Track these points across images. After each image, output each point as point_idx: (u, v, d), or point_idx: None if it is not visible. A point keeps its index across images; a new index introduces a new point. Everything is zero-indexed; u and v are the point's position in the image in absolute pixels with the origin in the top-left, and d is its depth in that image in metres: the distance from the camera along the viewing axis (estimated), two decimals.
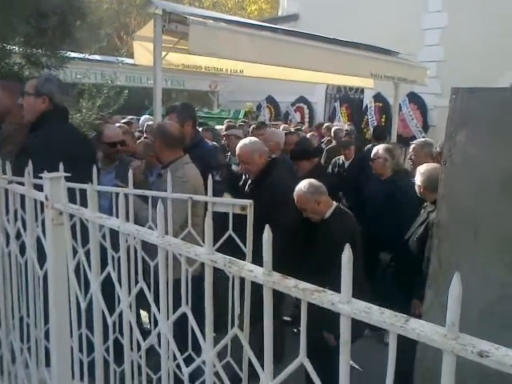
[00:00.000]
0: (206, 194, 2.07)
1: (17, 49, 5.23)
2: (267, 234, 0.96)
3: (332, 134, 8.10)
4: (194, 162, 3.25)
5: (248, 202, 1.93)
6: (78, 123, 6.19)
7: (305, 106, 14.55)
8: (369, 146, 7.21)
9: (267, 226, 0.99)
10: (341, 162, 6.20)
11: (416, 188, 3.39)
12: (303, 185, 3.14)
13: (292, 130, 8.20)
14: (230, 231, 1.96)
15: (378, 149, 4.45)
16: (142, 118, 7.86)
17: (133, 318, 1.40)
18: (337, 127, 8.49)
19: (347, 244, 0.82)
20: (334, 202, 3.16)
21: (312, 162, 3.80)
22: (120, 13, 18.41)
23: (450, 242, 1.86)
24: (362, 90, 13.35)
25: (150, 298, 1.31)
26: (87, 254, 1.58)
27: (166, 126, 3.40)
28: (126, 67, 9.13)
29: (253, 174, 3.50)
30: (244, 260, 1.97)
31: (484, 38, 10.64)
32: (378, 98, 12.37)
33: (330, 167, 6.25)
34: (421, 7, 12.16)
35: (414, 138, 11.35)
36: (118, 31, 15.77)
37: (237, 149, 3.58)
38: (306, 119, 14.27)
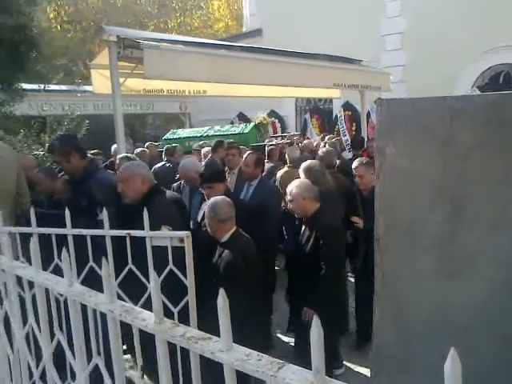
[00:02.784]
0: None
1: None
2: (154, 280, 0.92)
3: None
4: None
5: (185, 233, 1.88)
6: (41, 158, 6.10)
7: (276, 120, 14.58)
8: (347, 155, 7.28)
9: (153, 273, 0.95)
10: None
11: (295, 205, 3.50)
12: (221, 199, 3.09)
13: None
14: (171, 265, 1.91)
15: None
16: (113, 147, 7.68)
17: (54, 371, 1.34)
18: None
19: (221, 290, 0.78)
20: (234, 226, 3.07)
21: (225, 185, 3.66)
22: (86, 40, 18.36)
23: (390, 255, 1.84)
24: (331, 100, 13.45)
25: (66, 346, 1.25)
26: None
27: None
28: (93, 96, 9.02)
29: (129, 198, 3.16)
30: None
31: (443, 39, 10.84)
32: (347, 106, 12.47)
33: None
34: (380, 13, 12.42)
35: None
36: (83, 59, 15.70)
37: (121, 168, 3.31)
38: (279, 133, 14.29)
